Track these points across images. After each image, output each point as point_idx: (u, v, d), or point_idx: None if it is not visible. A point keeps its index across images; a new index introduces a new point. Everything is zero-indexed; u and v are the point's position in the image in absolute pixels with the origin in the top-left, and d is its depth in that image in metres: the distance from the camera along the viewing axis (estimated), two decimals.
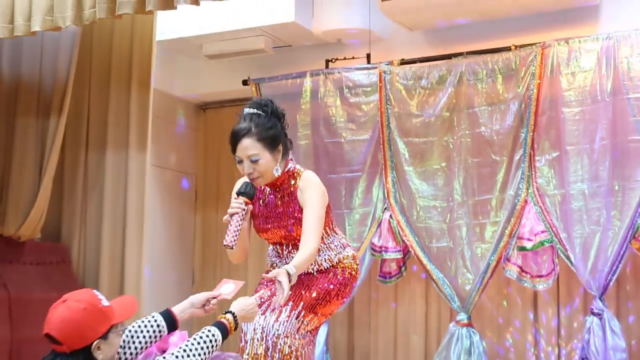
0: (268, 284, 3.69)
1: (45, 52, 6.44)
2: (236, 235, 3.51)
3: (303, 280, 3.59)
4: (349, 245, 3.84)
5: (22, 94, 6.39)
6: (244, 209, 3.54)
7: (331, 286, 3.63)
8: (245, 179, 3.62)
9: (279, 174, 3.61)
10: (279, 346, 3.48)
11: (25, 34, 5.42)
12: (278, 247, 3.78)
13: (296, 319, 3.54)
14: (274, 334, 3.48)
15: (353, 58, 7.11)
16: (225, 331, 2.90)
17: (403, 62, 6.81)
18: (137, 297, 6.33)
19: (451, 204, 6.55)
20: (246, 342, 3.52)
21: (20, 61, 6.45)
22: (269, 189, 3.69)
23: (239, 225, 3.52)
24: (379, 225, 6.77)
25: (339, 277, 3.66)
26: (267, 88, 7.23)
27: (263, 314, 3.49)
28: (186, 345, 2.75)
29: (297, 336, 3.55)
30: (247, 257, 3.93)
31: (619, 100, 5.98)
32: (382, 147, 6.80)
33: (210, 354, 2.79)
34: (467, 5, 6.39)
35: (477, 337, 6.30)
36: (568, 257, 6.07)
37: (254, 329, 3.50)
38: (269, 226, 3.71)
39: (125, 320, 2.76)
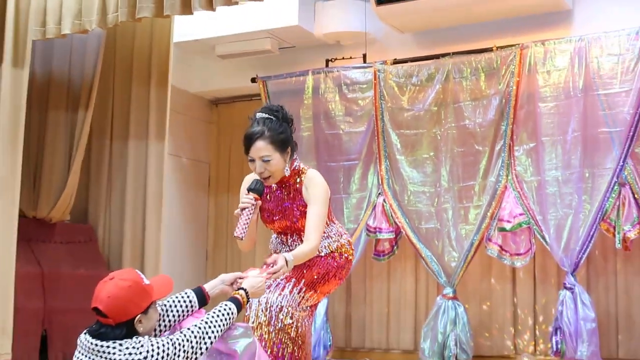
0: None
1: (73, 52, 6.44)
2: (246, 228, 3.53)
3: (305, 262, 3.60)
4: (346, 233, 3.84)
5: (52, 90, 6.39)
6: (253, 204, 3.54)
7: (330, 268, 3.64)
8: (255, 176, 3.63)
9: (289, 174, 3.62)
10: (281, 317, 3.50)
11: (56, 36, 5.44)
12: (282, 235, 3.78)
13: (298, 294, 3.55)
14: (277, 306, 3.49)
15: (350, 58, 7.11)
16: (239, 305, 2.93)
17: (395, 62, 6.83)
18: (155, 272, 6.34)
19: (438, 189, 6.57)
20: (252, 312, 3.53)
21: (51, 61, 6.45)
22: (275, 185, 3.70)
23: (249, 218, 3.54)
24: (374, 208, 6.78)
25: (337, 260, 3.67)
26: (273, 85, 7.25)
27: (268, 288, 3.47)
28: (207, 318, 2.79)
29: (298, 309, 3.56)
30: (255, 245, 3.93)
31: (590, 96, 6.00)
32: (376, 138, 6.81)
33: (227, 325, 2.82)
34: (453, 10, 6.39)
35: (462, 309, 6.34)
36: (543, 237, 6.11)
37: (259, 301, 3.51)
38: (276, 218, 3.71)
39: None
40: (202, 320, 2.77)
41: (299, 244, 3.64)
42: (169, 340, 2.62)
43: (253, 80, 7.33)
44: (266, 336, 3.45)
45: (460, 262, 6.36)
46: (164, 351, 2.58)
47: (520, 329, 6.50)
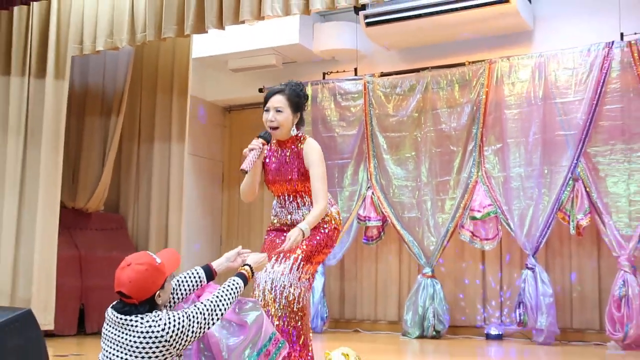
0: (273, 235, 3.65)
1: (107, 66, 6.47)
2: (251, 164, 3.44)
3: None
4: (335, 204, 3.72)
5: (89, 99, 6.43)
6: (260, 147, 3.47)
7: (321, 239, 3.54)
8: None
9: (294, 134, 3.56)
10: (285, 293, 3.46)
11: (92, 52, 5.48)
12: (282, 198, 3.65)
13: (297, 270, 3.49)
14: (280, 285, 3.44)
15: (344, 71, 7.11)
16: (245, 279, 2.92)
17: (382, 75, 6.84)
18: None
19: (419, 183, 6.59)
20: (259, 291, 3.48)
21: (87, 74, 6.48)
22: (280, 149, 3.61)
23: (255, 158, 3.45)
24: (364, 200, 6.80)
25: (326, 230, 3.56)
26: None
27: (272, 267, 3.45)
28: (218, 292, 2.78)
29: (298, 284, 3.50)
30: (256, 199, 3.78)
31: (548, 104, 6.02)
32: (366, 140, 6.82)
33: (236, 297, 2.81)
34: (431, 31, 6.41)
35: (439, 286, 6.37)
36: (509, 225, 6.13)
37: (265, 281, 3.47)
38: (278, 178, 3.59)
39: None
40: (214, 295, 2.76)
41: (294, 206, 3.59)
42: (184, 314, 2.63)
43: (260, 90, 7.28)
44: (272, 312, 3.41)
45: (438, 246, 6.39)
46: (179, 323, 2.57)
47: (488, 303, 6.50)
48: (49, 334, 5.18)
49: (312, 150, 3.52)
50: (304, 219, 3.49)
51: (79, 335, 5.87)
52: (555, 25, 6.29)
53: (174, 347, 2.58)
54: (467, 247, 6.50)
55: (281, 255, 3.46)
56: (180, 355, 2.65)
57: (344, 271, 7.22)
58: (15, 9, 5.43)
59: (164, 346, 2.55)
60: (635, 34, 5.79)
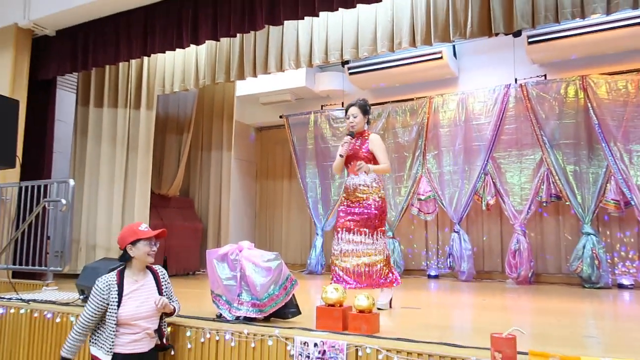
0: (343, 212, 3.47)
1: (180, 101, 6.53)
2: (345, 152, 3.48)
3: (366, 219, 3.40)
4: (384, 188, 3.67)
5: (168, 122, 6.48)
6: (349, 141, 3.51)
7: (376, 211, 3.40)
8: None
9: (365, 129, 3.58)
10: (374, 259, 3.38)
11: (170, 92, 5.53)
12: (348, 166, 3.57)
13: (376, 240, 3.39)
14: (366, 254, 3.38)
15: (335, 104, 7.14)
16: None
17: None
18: (227, 226, 6.42)
19: (384, 176, 6.56)
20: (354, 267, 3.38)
21: (168, 106, 6.53)
22: (355, 139, 3.56)
23: (347, 148, 3.49)
24: None
25: (382, 204, 3.43)
26: (292, 119, 7.26)
27: (356, 255, 3.36)
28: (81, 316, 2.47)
29: (380, 249, 3.38)
30: (340, 175, 3.73)
31: (468, 125, 6.06)
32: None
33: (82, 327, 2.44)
34: (391, 78, 6.44)
35: (397, 244, 6.41)
36: (442, 204, 6.16)
37: (357, 263, 3.35)
38: (353, 155, 3.51)
39: (153, 235, 2.54)
40: (82, 314, 2.46)
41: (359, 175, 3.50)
42: (91, 299, 2.43)
43: (280, 116, 7.36)
44: (366, 270, 3.35)
45: (397, 218, 6.42)
46: (91, 295, 2.42)
47: (429, 254, 6.54)
48: None
49: (374, 140, 3.55)
50: (362, 184, 3.44)
51: None
52: (472, 73, 6.32)
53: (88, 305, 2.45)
54: (416, 218, 6.53)
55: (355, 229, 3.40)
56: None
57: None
58: (120, 63, 5.46)
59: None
60: (524, 79, 5.83)
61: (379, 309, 3.33)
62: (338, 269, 3.45)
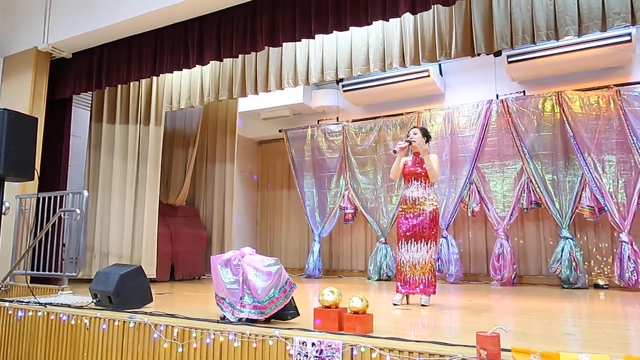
0: (404, 218, 3.63)
1: (186, 117, 6.53)
2: (398, 151, 3.65)
3: (421, 230, 3.57)
4: (437, 199, 3.77)
5: (176, 137, 6.48)
6: (405, 146, 3.68)
7: (436, 220, 3.60)
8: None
9: (424, 149, 3.69)
10: (421, 265, 3.55)
11: (177, 109, 5.54)
12: (410, 182, 3.70)
13: (430, 248, 3.56)
14: (419, 262, 3.57)
15: (330, 119, 7.16)
16: None
17: (353, 120, 6.88)
18: (230, 232, 6.42)
19: (376, 186, 6.62)
20: (402, 267, 3.59)
21: (175, 121, 6.53)
22: (415, 157, 3.74)
23: (400, 147, 3.66)
24: (343, 197, 6.81)
25: (436, 214, 3.60)
26: (290, 133, 7.27)
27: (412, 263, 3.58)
28: None
29: (433, 257, 3.58)
30: (396, 180, 3.90)
31: (454, 138, 6.08)
32: (345, 160, 6.84)
33: None
34: (382, 95, 6.47)
35: (389, 249, 6.38)
36: None
37: (409, 264, 3.59)
38: (411, 169, 3.69)
39: None
40: None
41: (415, 186, 3.64)
42: None
43: (280, 131, 7.37)
44: (413, 276, 3.58)
45: (388, 224, 6.42)
46: None
47: None
48: (152, 280, 5.20)
49: (430, 157, 3.70)
50: (421, 196, 3.60)
51: (170, 281, 5.90)
52: (457, 90, 6.35)
53: None
54: None
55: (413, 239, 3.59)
56: None
57: (331, 240, 7.23)
58: (131, 83, 5.49)
59: None
60: (505, 95, 5.88)
61: (423, 305, 3.58)
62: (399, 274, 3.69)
